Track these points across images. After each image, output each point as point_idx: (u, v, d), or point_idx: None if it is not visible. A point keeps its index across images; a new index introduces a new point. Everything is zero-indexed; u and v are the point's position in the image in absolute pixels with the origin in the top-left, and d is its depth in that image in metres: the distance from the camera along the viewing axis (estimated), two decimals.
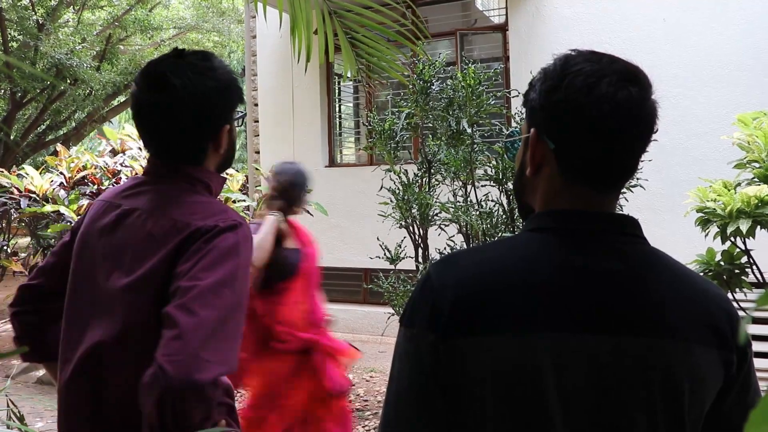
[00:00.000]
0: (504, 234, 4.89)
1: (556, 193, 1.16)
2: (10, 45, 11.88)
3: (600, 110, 1.08)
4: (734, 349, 1.09)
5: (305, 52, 3.04)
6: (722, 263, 3.80)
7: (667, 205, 5.94)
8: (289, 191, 3.86)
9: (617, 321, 1.06)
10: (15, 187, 6.30)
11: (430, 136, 5.43)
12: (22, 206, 6.14)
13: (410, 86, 5.25)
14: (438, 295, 1.11)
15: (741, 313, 1.18)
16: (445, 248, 5.30)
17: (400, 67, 3.80)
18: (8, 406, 1.71)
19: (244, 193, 6.84)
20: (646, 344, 1.05)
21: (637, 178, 4.85)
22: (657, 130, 1.14)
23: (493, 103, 5.08)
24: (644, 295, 1.08)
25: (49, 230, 6.15)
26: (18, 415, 1.65)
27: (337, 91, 9.49)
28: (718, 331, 1.08)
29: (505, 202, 5.07)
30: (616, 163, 1.12)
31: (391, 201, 5.38)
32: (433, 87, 5.21)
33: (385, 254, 5.52)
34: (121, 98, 15.46)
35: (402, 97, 5.56)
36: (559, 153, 1.14)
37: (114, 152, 6.73)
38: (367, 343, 8.20)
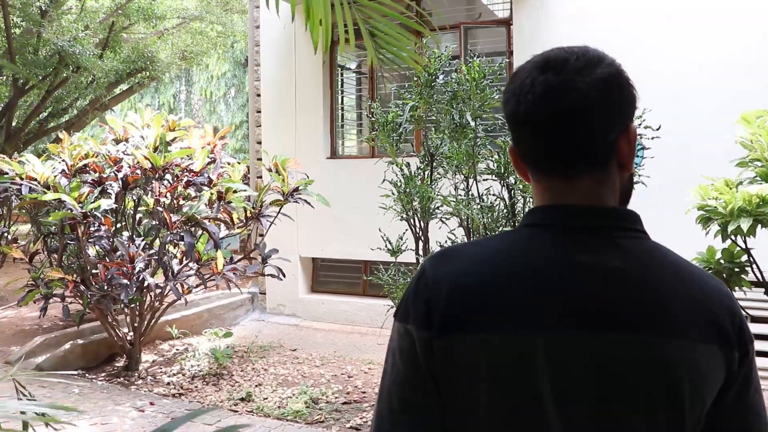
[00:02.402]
0: (505, 228, 4.90)
1: (539, 190, 1.17)
2: (12, 31, 11.85)
3: (510, 103, 1.14)
4: (736, 346, 1.07)
5: (323, 42, 3.02)
6: (722, 261, 3.80)
7: (669, 203, 5.92)
8: None
9: (616, 318, 1.04)
10: (16, 174, 6.30)
11: (433, 129, 5.43)
12: (23, 193, 6.14)
13: (415, 78, 5.26)
14: (432, 291, 1.10)
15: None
16: (446, 241, 5.30)
17: (417, 56, 3.78)
18: (17, 389, 1.71)
19: (245, 183, 6.84)
20: (647, 342, 1.04)
21: (639, 175, 4.86)
22: (595, 103, 1.09)
23: (497, 97, 5.08)
24: (644, 291, 1.06)
25: (50, 218, 6.15)
26: (30, 395, 1.65)
27: (339, 82, 9.47)
28: (720, 328, 1.07)
29: (506, 196, 5.07)
30: (554, 147, 1.11)
31: (393, 193, 5.38)
32: (438, 80, 5.21)
33: (386, 246, 5.53)
34: (124, 86, 15.42)
35: (407, 89, 5.56)
36: (519, 154, 1.18)
37: (117, 140, 6.71)
38: (366, 335, 8.22)
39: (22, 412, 1.50)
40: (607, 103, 1.10)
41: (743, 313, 1.14)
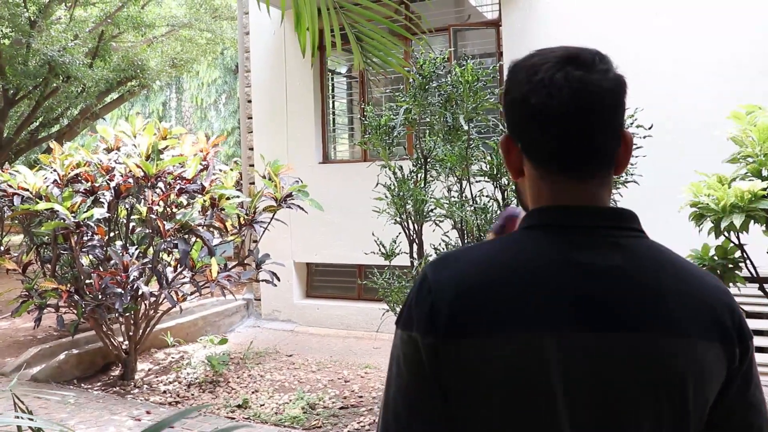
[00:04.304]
0: None
1: (539, 189, 1.16)
2: (1, 42, 11.82)
3: (539, 95, 1.09)
4: (737, 343, 1.08)
5: (310, 47, 3.02)
6: (716, 258, 3.81)
7: (662, 200, 5.95)
8: None
9: (618, 317, 1.05)
10: (8, 185, 6.27)
11: (426, 131, 5.43)
12: (15, 204, 6.12)
13: (410, 81, 5.27)
14: (435, 296, 1.09)
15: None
16: (439, 244, 5.31)
17: (403, 60, 3.79)
18: (15, 403, 1.69)
19: (238, 190, 6.84)
20: (649, 340, 1.04)
21: (631, 174, 4.88)
22: (619, 102, 1.12)
23: (493, 100, 5.10)
24: (646, 290, 1.07)
25: (42, 228, 6.13)
26: (27, 410, 1.64)
27: (330, 87, 9.47)
28: (720, 325, 1.08)
29: (499, 197, 5.08)
30: (578, 144, 1.10)
31: (386, 197, 5.38)
32: (432, 83, 5.22)
33: (380, 250, 5.53)
34: (114, 95, 15.40)
35: (400, 92, 5.56)
36: (525, 150, 1.15)
37: (108, 149, 6.70)
38: (362, 339, 8.21)
39: (19, 427, 1.49)
40: (620, 104, 1.12)
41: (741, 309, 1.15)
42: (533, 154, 1.15)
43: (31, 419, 1.59)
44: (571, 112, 1.08)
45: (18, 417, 1.58)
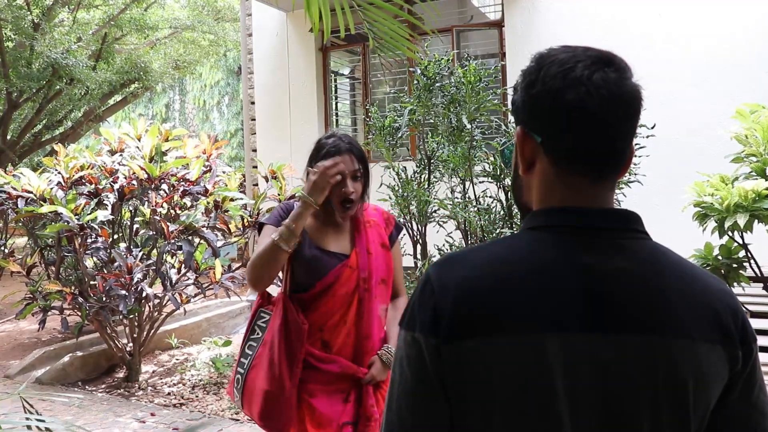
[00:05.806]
0: (502, 231, 4.90)
1: (551, 188, 1.14)
2: (5, 45, 11.85)
3: (577, 92, 1.07)
4: (739, 345, 1.08)
5: (324, 29, 3.01)
6: (720, 258, 3.80)
7: (665, 200, 5.93)
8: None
9: (623, 319, 1.05)
10: (12, 187, 6.28)
11: (429, 132, 5.44)
12: (19, 206, 6.13)
13: (414, 82, 5.27)
14: (439, 297, 1.09)
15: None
16: (443, 245, 5.31)
17: (414, 46, 3.78)
18: (24, 408, 1.70)
19: (242, 192, 6.84)
20: (652, 342, 1.04)
21: (635, 174, 4.87)
22: (640, 111, 1.13)
23: (495, 100, 5.10)
24: (649, 292, 1.07)
25: (47, 230, 6.14)
26: (36, 412, 1.64)
27: (333, 88, 9.48)
28: (723, 328, 1.08)
29: (503, 198, 5.08)
30: (604, 146, 1.10)
31: (390, 198, 5.38)
32: (436, 84, 5.22)
33: None
34: (117, 97, 15.45)
35: (404, 93, 5.56)
36: (546, 145, 1.13)
37: (112, 151, 6.70)
38: None
39: (29, 428, 1.50)
40: (640, 113, 1.13)
41: (745, 310, 1.14)
42: (555, 150, 1.13)
43: (42, 420, 1.59)
44: (606, 114, 1.08)
45: (28, 418, 1.59)
